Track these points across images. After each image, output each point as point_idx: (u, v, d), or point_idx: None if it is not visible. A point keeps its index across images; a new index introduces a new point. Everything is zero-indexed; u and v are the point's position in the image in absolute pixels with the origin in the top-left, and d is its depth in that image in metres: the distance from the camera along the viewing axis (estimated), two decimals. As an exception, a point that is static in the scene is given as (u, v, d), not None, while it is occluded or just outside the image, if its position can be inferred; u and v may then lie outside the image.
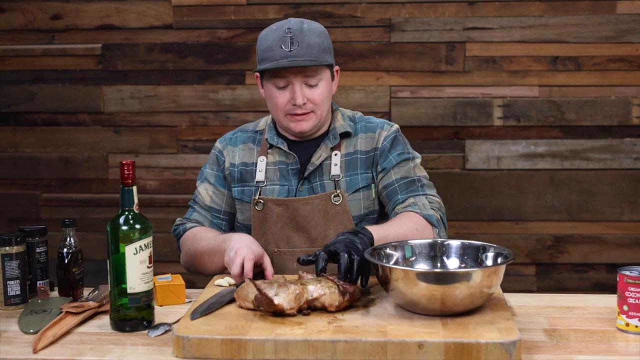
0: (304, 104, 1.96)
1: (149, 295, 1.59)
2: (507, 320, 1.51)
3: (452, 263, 1.72)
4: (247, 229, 2.06)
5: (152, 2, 3.27)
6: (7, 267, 1.77)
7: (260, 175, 2.05)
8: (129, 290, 1.56)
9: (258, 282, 1.57)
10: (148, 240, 1.58)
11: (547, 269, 3.24)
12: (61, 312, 1.65)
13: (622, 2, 3.13)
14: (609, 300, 1.74)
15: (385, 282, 1.57)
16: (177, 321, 1.60)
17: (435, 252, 1.74)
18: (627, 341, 1.52)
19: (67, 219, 1.84)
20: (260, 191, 2.04)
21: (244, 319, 1.54)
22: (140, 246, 1.56)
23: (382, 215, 2.08)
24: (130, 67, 3.31)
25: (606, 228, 3.22)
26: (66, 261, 1.82)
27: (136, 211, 1.58)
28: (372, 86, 3.24)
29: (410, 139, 2.17)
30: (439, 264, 1.73)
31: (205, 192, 2.11)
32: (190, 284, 2.09)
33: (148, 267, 1.58)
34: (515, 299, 1.79)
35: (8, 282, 1.77)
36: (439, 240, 1.77)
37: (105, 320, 1.64)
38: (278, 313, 1.53)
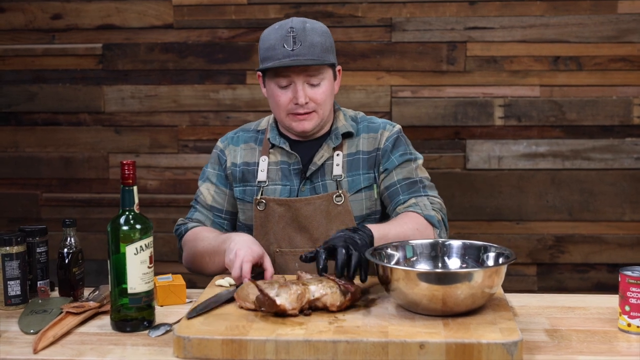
0: (306, 103, 1.96)
1: (149, 295, 1.59)
2: (509, 320, 1.50)
3: (454, 263, 1.72)
4: (248, 229, 2.06)
5: (152, 2, 3.27)
6: (7, 267, 1.77)
7: (262, 175, 2.04)
8: (129, 291, 1.56)
9: (259, 283, 1.57)
10: (149, 240, 1.58)
11: (548, 269, 3.24)
12: (61, 312, 1.65)
13: (623, 1, 3.13)
14: (611, 301, 1.74)
15: (386, 282, 1.57)
16: (178, 321, 1.60)
17: (437, 252, 1.74)
18: (628, 342, 1.52)
19: (67, 219, 1.84)
20: (262, 191, 2.03)
21: (245, 319, 1.54)
22: (140, 246, 1.56)
23: (384, 215, 2.08)
24: (130, 67, 3.31)
25: (607, 228, 3.21)
26: (67, 261, 1.82)
27: (137, 211, 1.58)
28: (373, 86, 3.23)
29: (411, 139, 2.16)
30: (440, 264, 1.73)
31: (207, 191, 2.11)
32: (190, 284, 2.09)
33: (149, 267, 1.58)
34: (516, 299, 1.79)
35: (8, 282, 1.77)
36: (440, 240, 1.77)
37: (105, 320, 1.64)
38: (280, 313, 1.53)
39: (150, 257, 1.58)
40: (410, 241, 1.76)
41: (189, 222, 2.10)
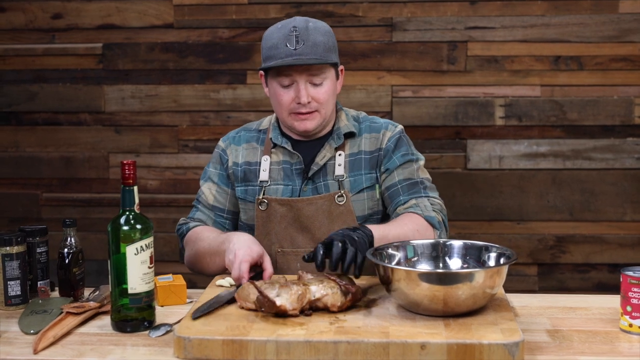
0: (309, 102, 1.95)
1: (150, 295, 1.59)
2: (510, 321, 1.50)
3: (455, 263, 1.72)
4: (250, 229, 2.06)
5: (153, 2, 3.27)
6: (7, 267, 1.76)
7: (264, 175, 2.04)
8: (129, 291, 1.56)
9: (259, 284, 1.56)
10: (149, 240, 1.57)
11: (549, 269, 3.24)
12: (62, 312, 1.65)
13: (625, 1, 3.12)
14: (612, 301, 1.74)
15: (387, 283, 1.56)
16: (178, 322, 1.60)
17: (438, 253, 1.73)
18: (630, 342, 1.52)
19: (67, 219, 1.83)
20: (264, 191, 2.03)
21: (246, 319, 1.53)
22: (141, 246, 1.56)
23: (386, 215, 2.07)
24: (131, 67, 3.31)
25: (608, 228, 3.21)
26: (67, 261, 1.81)
27: (137, 211, 1.58)
28: (374, 86, 3.23)
29: (412, 139, 2.16)
30: (441, 265, 1.72)
31: (208, 191, 2.11)
32: (191, 284, 2.09)
33: (149, 268, 1.57)
34: (517, 300, 1.78)
35: (8, 282, 1.77)
36: (441, 240, 1.77)
37: (106, 320, 1.64)
38: (280, 314, 1.52)
39: (151, 257, 1.58)
40: (411, 241, 1.76)
41: (190, 221, 2.10)
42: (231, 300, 1.65)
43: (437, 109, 3.21)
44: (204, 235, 2.01)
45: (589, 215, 3.21)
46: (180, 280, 1.81)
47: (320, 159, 2.02)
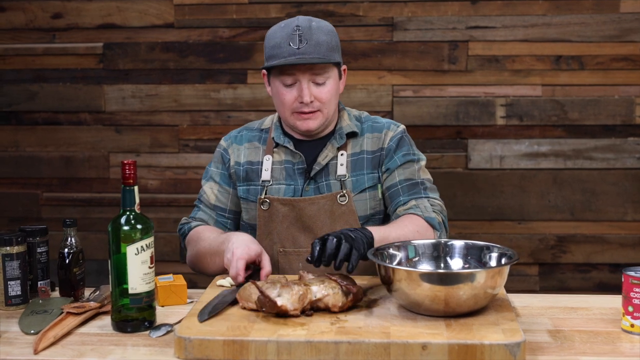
0: (311, 102, 1.95)
1: (150, 295, 1.58)
2: (511, 321, 1.50)
3: (456, 263, 1.71)
4: (252, 229, 2.05)
5: (153, 1, 3.26)
6: (7, 267, 1.76)
7: (266, 175, 2.04)
8: (130, 291, 1.56)
9: (260, 284, 1.56)
10: (149, 240, 1.57)
11: (550, 269, 3.23)
12: (62, 312, 1.65)
13: (626, 1, 3.12)
14: (613, 301, 1.73)
15: (388, 283, 1.56)
16: (179, 322, 1.59)
17: (439, 253, 1.73)
18: (632, 342, 1.51)
19: (68, 219, 1.83)
20: (266, 190, 2.03)
21: (246, 319, 1.53)
22: (141, 246, 1.55)
23: (388, 215, 2.07)
24: (131, 66, 3.30)
25: (609, 228, 3.21)
26: (67, 261, 1.81)
27: (137, 211, 1.57)
28: (375, 85, 3.23)
29: (413, 139, 2.15)
30: (442, 265, 1.72)
31: (210, 190, 2.10)
32: (192, 284, 2.09)
33: (149, 268, 1.57)
34: (518, 300, 1.78)
35: (9, 282, 1.76)
36: (443, 240, 1.76)
37: (106, 320, 1.63)
38: (281, 314, 1.52)
39: (151, 257, 1.58)
40: (412, 241, 1.75)
41: (192, 221, 2.10)
42: (234, 301, 1.64)
43: (438, 108, 3.21)
44: (204, 235, 2.00)
45: (590, 215, 3.21)
46: (180, 280, 1.80)
47: (322, 159, 2.02)
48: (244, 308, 1.59)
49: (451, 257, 1.72)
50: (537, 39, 3.16)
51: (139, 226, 1.56)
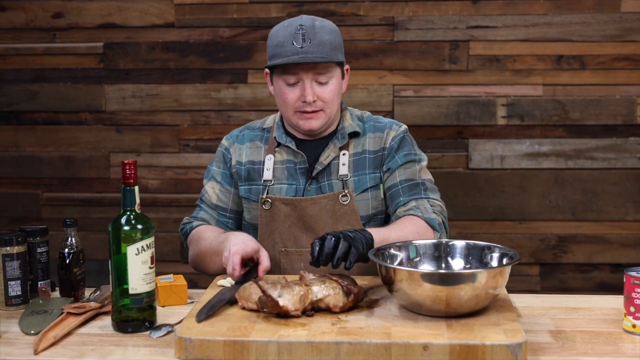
0: (314, 101, 1.94)
1: (151, 296, 1.58)
2: (513, 321, 1.49)
3: (457, 264, 1.71)
4: (254, 228, 2.05)
5: (154, 1, 3.26)
6: (8, 267, 1.76)
7: (267, 174, 2.03)
8: (130, 291, 1.55)
9: (261, 283, 1.56)
10: (150, 240, 1.57)
11: (551, 269, 3.23)
12: (62, 312, 1.64)
13: (627, 0, 3.11)
14: (615, 301, 1.73)
15: (389, 283, 1.56)
16: (180, 322, 1.59)
17: (440, 253, 1.73)
18: (633, 343, 1.51)
19: (68, 219, 1.83)
20: (267, 190, 2.02)
21: (247, 320, 1.53)
22: (142, 246, 1.55)
23: (389, 215, 2.07)
24: (131, 66, 3.30)
25: (610, 228, 3.20)
26: (67, 261, 1.81)
27: (138, 211, 1.57)
28: (375, 85, 3.22)
29: (414, 138, 2.15)
30: (443, 265, 1.71)
31: (211, 190, 2.10)
32: (192, 284, 2.08)
33: (150, 268, 1.57)
34: (520, 300, 1.78)
35: (9, 282, 1.76)
36: (444, 240, 1.76)
37: (106, 321, 1.63)
38: (282, 314, 1.52)
39: (152, 258, 1.57)
40: (413, 242, 1.75)
41: (193, 221, 2.10)
42: (233, 301, 1.64)
43: (439, 108, 3.21)
44: (205, 235, 2.00)
45: (591, 215, 3.21)
46: (181, 280, 1.80)
47: (324, 159, 2.02)
48: (244, 308, 1.59)
49: (452, 258, 1.72)
50: (538, 39, 3.15)
51: (139, 226, 1.55)
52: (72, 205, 3.37)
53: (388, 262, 1.66)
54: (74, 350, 1.49)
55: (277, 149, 2.05)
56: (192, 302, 1.77)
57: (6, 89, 3.35)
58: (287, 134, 2.06)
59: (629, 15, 3.12)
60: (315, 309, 1.56)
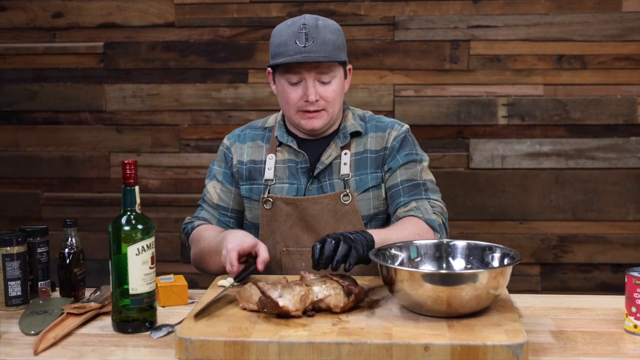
0: (316, 100, 1.94)
1: (151, 296, 1.58)
2: (514, 322, 1.49)
3: (458, 264, 1.71)
4: (255, 228, 2.05)
5: (154, 0, 3.26)
6: (8, 267, 1.75)
7: (269, 173, 2.03)
8: (131, 292, 1.55)
9: (261, 284, 1.55)
10: (150, 240, 1.56)
11: (551, 269, 3.23)
12: (62, 313, 1.64)
13: (628, 0, 3.11)
14: (616, 302, 1.73)
15: (390, 283, 1.55)
16: (180, 322, 1.58)
17: (441, 253, 1.72)
18: (635, 343, 1.50)
19: (68, 219, 1.82)
20: (269, 189, 2.02)
21: (248, 320, 1.52)
22: (142, 247, 1.55)
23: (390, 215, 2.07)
24: (132, 66, 3.30)
25: (611, 228, 3.20)
26: (67, 261, 1.80)
27: (138, 211, 1.57)
28: (376, 85, 3.22)
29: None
30: (444, 265, 1.71)
31: (213, 190, 2.10)
32: (192, 285, 2.08)
33: (150, 268, 1.56)
34: (521, 300, 1.77)
35: (9, 282, 1.76)
36: (445, 240, 1.76)
37: (107, 321, 1.63)
38: (283, 315, 1.51)
39: (152, 258, 1.57)
40: (414, 242, 1.74)
41: (195, 220, 2.09)
42: (232, 301, 1.64)
43: (440, 108, 3.20)
44: (205, 235, 2.00)
45: (591, 215, 3.20)
46: (181, 280, 1.80)
47: (325, 158, 2.01)
48: (245, 309, 1.59)
49: (453, 258, 1.71)
50: (539, 38, 3.15)
51: (139, 226, 1.55)
52: (72, 205, 3.37)
53: (389, 262, 1.66)
54: (74, 351, 1.48)
55: (278, 148, 2.05)
56: (192, 303, 1.77)
57: (6, 88, 3.35)
58: (289, 133, 2.06)
59: (630, 15, 3.11)
60: (316, 309, 1.56)
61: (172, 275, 1.82)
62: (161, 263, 3.00)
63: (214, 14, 3.24)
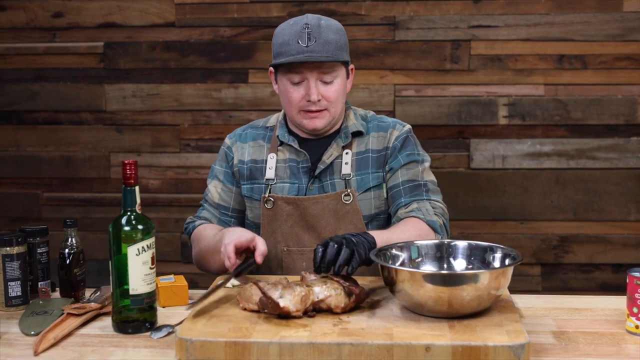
0: (319, 100, 1.94)
1: (151, 296, 1.57)
2: (515, 322, 1.48)
3: (459, 264, 1.70)
4: (256, 227, 2.04)
5: (154, 0, 3.25)
6: (8, 267, 1.75)
7: (270, 173, 2.03)
8: (131, 292, 1.55)
9: (262, 285, 1.55)
10: (150, 241, 1.56)
11: (552, 269, 3.22)
12: (62, 313, 1.64)
13: (629, 0, 3.10)
14: (618, 302, 1.73)
15: (391, 284, 1.55)
16: (180, 323, 1.58)
17: (442, 253, 1.72)
18: (637, 344, 1.50)
19: (68, 219, 1.82)
20: (270, 189, 2.02)
21: (248, 321, 1.52)
22: (142, 247, 1.54)
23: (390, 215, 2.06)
24: (132, 66, 3.29)
25: (612, 228, 3.19)
26: (68, 262, 1.80)
27: (138, 211, 1.56)
28: (376, 85, 3.22)
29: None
30: (445, 266, 1.71)
31: (214, 189, 2.10)
32: (193, 285, 2.07)
33: (150, 268, 1.56)
34: (522, 301, 1.77)
35: (9, 283, 1.75)
36: (446, 241, 1.75)
37: (107, 321, 1.63)
38: (283, 315, 1.51)
39: (152, 258, 1.57)
40: (415, 242, 1.74)
41: (196, 220, 2.09)
42: (232, 301, 1.63)
43: (440, 108, 3.20)
44: (205, 234, 2.00)
45: (592, 215, 3.20)
46: (181, 281, 1.79)
47: (327, 158, 2.01)
48: (245, 309, 1.58)
49: (454, 258, 1.71)
50: (539, 38, 3.14)
51: (139, 227, 1.55)
52: (72, 205, 3.37)
53: (390, 262, 1.66)
54: (74, 351, 1.48)
55: (279, 147, 2.04)
56: (192, 303, 1.76)
57: (6, 88, 3.34)
58: (290, 132, 2.06)
59: (630, 15, 3.11)
60: (316, 309, 1.55)
61: (172, 276, 1.81)
62: (161, 263, 3.00)
63: (214, 14, 3.24)
